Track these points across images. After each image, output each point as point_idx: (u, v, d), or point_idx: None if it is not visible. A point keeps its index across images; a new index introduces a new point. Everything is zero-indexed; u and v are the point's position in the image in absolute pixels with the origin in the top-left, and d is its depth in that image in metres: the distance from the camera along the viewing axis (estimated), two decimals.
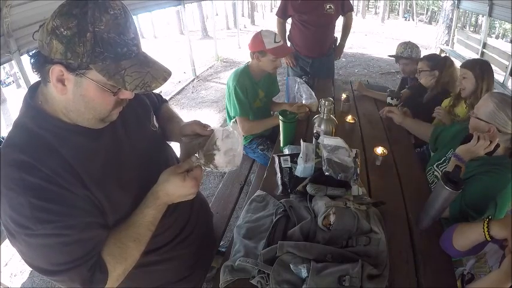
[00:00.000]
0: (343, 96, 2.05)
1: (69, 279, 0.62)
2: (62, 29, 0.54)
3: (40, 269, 0.62)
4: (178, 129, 0.90)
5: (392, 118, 1.80)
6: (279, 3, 2.84)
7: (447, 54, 6.01)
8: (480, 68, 1.57)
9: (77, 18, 0.54)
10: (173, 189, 0.72)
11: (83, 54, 0.55)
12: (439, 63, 1.92)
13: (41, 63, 0.59)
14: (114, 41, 0.57)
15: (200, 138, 0.78)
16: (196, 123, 0.85)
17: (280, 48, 1.74)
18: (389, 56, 2.40)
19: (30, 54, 0.60)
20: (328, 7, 2.48)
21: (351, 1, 2.75)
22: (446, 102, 1.76)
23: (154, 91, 0.99)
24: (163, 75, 0.63)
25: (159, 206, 0.73)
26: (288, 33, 2.81)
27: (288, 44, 2.79)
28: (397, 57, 2.22)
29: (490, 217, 0.86)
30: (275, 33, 1.74)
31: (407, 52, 2.16)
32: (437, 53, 5.82)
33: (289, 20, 2.77)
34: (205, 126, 0.84)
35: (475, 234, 0.87)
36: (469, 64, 1.63)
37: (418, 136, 1.70)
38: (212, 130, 0.80)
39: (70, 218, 0.61)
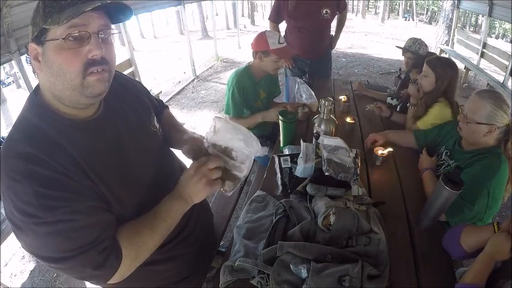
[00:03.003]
0: (343, 98, 2.05)
1: (79, 264, 0.63)
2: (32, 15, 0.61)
3: (48, 258, 0.62)
4: (181, 142, 0.91)
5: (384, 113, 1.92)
6: None
7: (447, 55, 6.01)
8: (443, 70, 1.53)
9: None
10: (192, 193, 0.74)
11: (39, 21, 0.59)
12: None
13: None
14: None
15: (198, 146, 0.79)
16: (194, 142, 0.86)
17: (284, 50, 1.75)
18: (397, 46, 2.40)
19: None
20: (324, 12, 2.46)
21: (352, 1, 2.75)
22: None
23: (154, 96, 1.01)
24: (104, 1, 0.60)
25: (181, 206, 0.75)
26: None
27: None
28: (404, 50, 2.24)
29: (498, 223, 0.89)
30: (279, 34, 1.76)
31: (415, 47, 2.17)
32: (437, 53, 5.82)
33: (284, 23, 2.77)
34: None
35: (486, 232, 0.89)
36: (432, 63, 1.56)
37: (403, 145, 1.64)
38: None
39: (77, 203, 0.61)
